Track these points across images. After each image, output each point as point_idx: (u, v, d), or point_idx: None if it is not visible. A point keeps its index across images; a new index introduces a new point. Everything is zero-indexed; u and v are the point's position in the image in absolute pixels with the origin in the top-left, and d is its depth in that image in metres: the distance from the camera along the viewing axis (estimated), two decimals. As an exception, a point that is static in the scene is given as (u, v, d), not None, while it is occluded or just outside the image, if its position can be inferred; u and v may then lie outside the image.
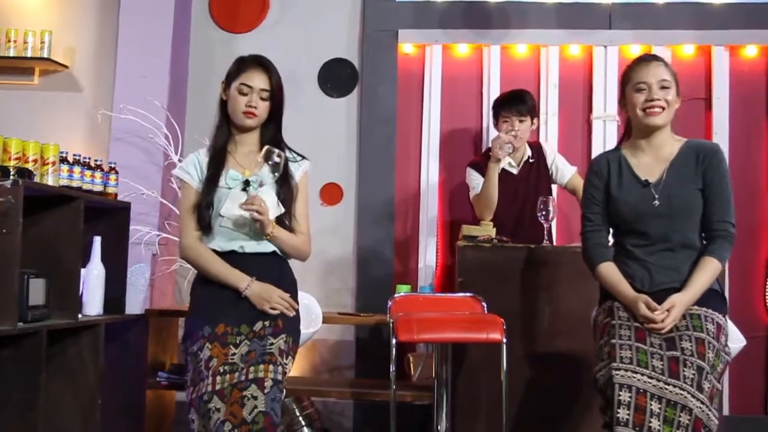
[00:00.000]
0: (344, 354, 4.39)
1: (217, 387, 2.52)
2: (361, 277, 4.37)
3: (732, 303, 4.21)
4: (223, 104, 2.81)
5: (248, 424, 2.44)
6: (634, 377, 2.45)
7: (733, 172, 4.21)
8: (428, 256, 4.36)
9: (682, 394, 2.41)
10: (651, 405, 2.41)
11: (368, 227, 4.39)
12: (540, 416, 3.43)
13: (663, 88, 2.67)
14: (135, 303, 3.62)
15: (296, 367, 4.36)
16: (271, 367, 2.54)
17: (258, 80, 2.73)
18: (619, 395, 2.42)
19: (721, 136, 4.31)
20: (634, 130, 2.79)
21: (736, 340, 2.90)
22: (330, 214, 4.44)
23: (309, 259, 4.36)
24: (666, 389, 2.43)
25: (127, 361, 3.60)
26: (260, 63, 2.78)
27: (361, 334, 4.32)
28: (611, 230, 2.86)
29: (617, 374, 2.45)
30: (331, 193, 4.44)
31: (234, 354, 2.57)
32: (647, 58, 2.76)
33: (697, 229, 2.70)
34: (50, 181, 3.04)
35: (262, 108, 2.74)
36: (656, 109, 2.66)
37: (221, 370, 2.54)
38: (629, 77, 2.74)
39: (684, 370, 2.45)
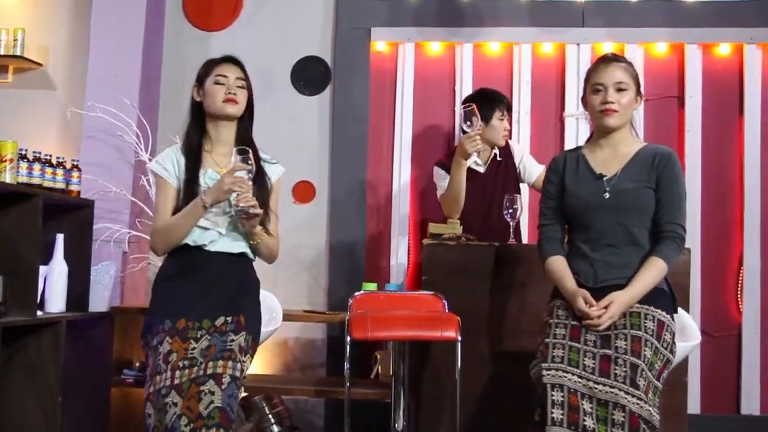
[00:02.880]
0: (316, 352, 4.40)
1: (176, 381, 2.53)
2: (333, 275, 4.37)
3: (704, 301, 4.25)
4: (196, 106, 2.85)
5: (204, 418, 2.45)
6: (565, 377, 2.47)
7: (705, 170, 4.31)
8: (400, 254, 4.36)
9: (612, 392, 2.43)
10: (583, 404, 2.43)
11: (340, 225, 4.39)
12: (505, 414, 3.41)
13: (619, 90, 2.68)
14: (100, 301, 3.62)
15: (268, 365, 4.37)
16: (230, 363, 2.55)
17: (232, 72, 2.81)
18: (552, 395, 2.44)
19: (693, 134, 4.30)
20: (595, 128, 2.83)
21: (692, 337, 2.89)
22: (302, 212, 4.44)
23: (281, 257, 4.38)
24: (596, 389, 2.45)
25: (92, 358, 3.60)
26: (231, 58, 2.87)
27: (332, 333, 4.31)
28: (568, 228, 2.86)
29: (547, 374, 2.48)
30: (303, 191, 4.44)
31: (194, 348, 2.59)
32: (607, 59, 2.76)
33: (645, 228, 2.69)
34: (8, 178, 3.04)
35: (242, 96, 2.79)
36: (610, 112, 2.68)
37: (180, 365, 2.55)
38: (588, 77, 2.77)
39: (615, 368, 2.47)
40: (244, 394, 4.01)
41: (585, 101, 2.80)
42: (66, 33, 4.48)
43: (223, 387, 2.50)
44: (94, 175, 4.00)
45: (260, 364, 4.38)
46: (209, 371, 2.52)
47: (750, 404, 4.18)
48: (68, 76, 4.46)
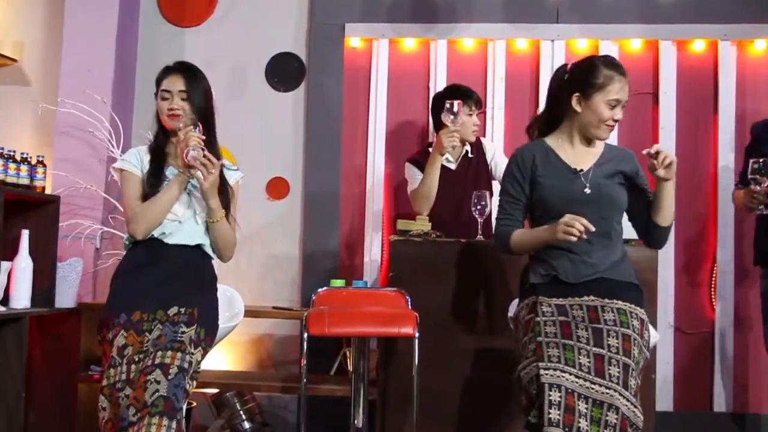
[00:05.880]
0: (291, 349, 4.39)
1: (131, 376, 2.55)
2: (307, 272, 4.37)
3: (678, 298, 4.25)
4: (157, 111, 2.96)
5: (148, 406, 2.45)
6: (563, 377, 2.42)
7: (679, 167, 4.20)
8: (374, 250, 4.35)
9: (608, 393, 2.40)
10: (579, 405, 2.38)
11: (314, 222, 4.39)
12: (472, 410, 3.42)
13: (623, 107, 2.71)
14: (68, 297, 3.62)
15: (241, 362, 4.38)
16: (178, 354, 2.57)
17: (175, 84, 2.87)
18: (550, 395, 2.38)
19: (667, 130, 4.29)
20: (574, 126, 2.75)
21: (651, 335, 2.88)
22: (276, 209, 4.44)
23: (255, 253, 4.43)
24: (592, 389, 2.41)
25: (59, 354, 3.60)
26: (177, 67, 2.93)
27: (305, 329, 4.31)
28: (534, 223, 2.82)
29: (546, 374, 2.42)
30: (277, 187, 4.44)
31: (148, 341, 2.62)
32: (623, 71, 2.68)
33: (620, 222, 2.73)
34: (-32, 174, 3.05)
35: (187, 109, 2.85)
36: (612, 128, 2.72)
37: (136, 359, 2.58)
38: (603, 84, 2.65)
39: (609, 369, 2.43)
40: (214, 390, 4.02)
41: (570, 89, 2.69)
42: (41, 29, 4.47)
43: (169, 377, 2.50)
44: (66, 172, 4.02)
45: (234, 361, 4.38)
46: (157, 361, 2.54)
47: (723, 401, 4.18)
48: (43, 72, 4.45)
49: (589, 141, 2.76)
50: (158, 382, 2.48)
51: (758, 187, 3.14)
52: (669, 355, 4.19)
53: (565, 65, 2.81)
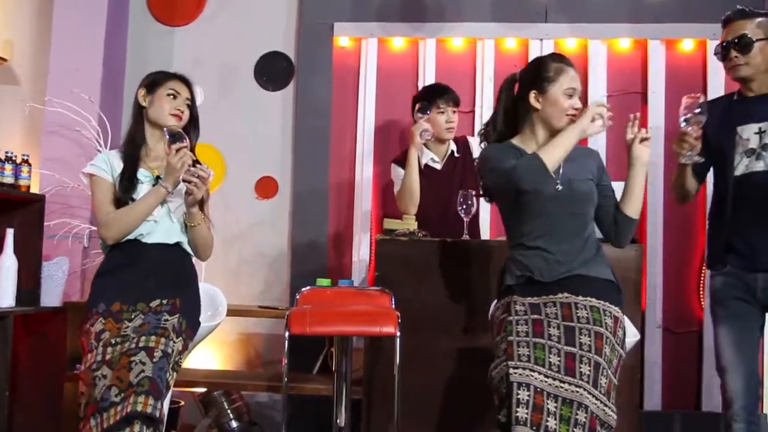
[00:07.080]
0: (278, 347, 4.38)
1: (107, 357, 2.53)
2: (295, 271, 4.37)
3: (667, 297, 4.24)
4: (139, 110, 2.94)
5: (134, 386, 2.45)
6: (532, 375, 2.43)
7: (668, 167, 4.28)
8: (362, 249, 4.35)
9: (577, 392, 2.40)
10: (548, 404, 2.40)
11: (303, 221, 4.40)
12: (456, 410, 3.41)
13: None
14: (53, 295, 3.63)
15: (229, 361, 4.38)
16: (162, 339, 2.58)
17: (183, 90, 2.93)
18: (518, 394, 2.40)
19: (656, 130, 4.28)
20: (537, 125, 2.72)
21: (630, 335, 2.87)
22: (265, 208, 4.45)
23: (244, 252, 4.43)
24: (561, 387, 2.42)
25: (45, 353, 3.60)
26: (181, 76, 2.98)
27: (293, 328, 4.31)
28: (508, 224, 2.82)
29: (515, 373, 2.43)
30: (266, 187, 4.44)
31: (127, 327, 2.63)
32: (570, 63, 2.71)
33: (593, 218, 2.73)
34: (-49, 173, 3.05)
35: (186, 115, 2.92)
36: (576, 116, 2.68)
37: (112, 342, 2.57)
38: (554, 76, 2.67)
39: (580, 367, 2.44)
40: (202, 390, 4.03)
41: (528, 88, 2.68)
42: (31, 28, 4.47)
43: (154, 360, 2.51)
44: (54, 171, 4.01)
45: (222, 360, 4.38)
46: (141, 344, 2.54)
47: (711, 401, 4.16)
48: (33, 71, 4.45)
49: (553, 137, 2.72)
50: (143, 363, 2.49)
51: (692, 128, 2.76)
52: (657, 355, 4.18)
53: (514, 75, 2.81)
